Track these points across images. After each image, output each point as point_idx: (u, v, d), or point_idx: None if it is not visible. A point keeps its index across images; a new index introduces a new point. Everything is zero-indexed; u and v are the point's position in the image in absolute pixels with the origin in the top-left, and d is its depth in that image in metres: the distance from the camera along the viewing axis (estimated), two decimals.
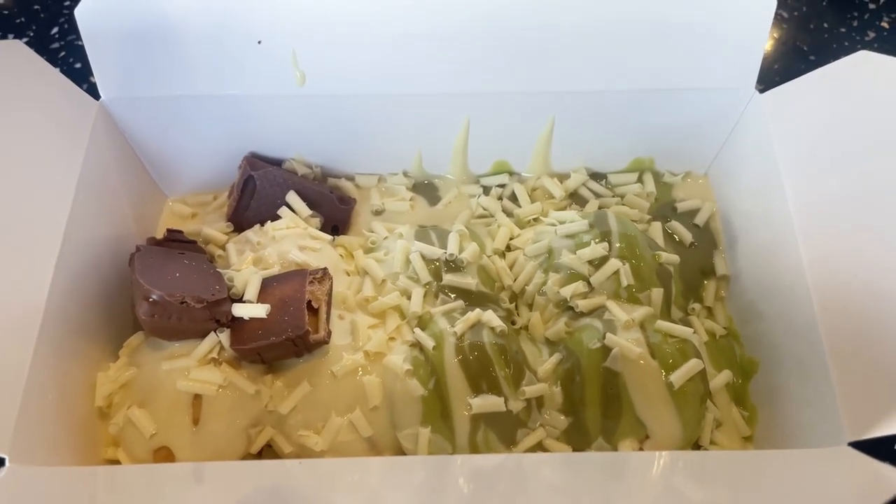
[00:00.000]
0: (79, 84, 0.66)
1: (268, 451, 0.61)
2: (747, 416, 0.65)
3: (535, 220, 0.73)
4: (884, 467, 0.45)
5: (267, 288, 0.61)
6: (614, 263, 0.64)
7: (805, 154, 0.63)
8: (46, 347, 0.55)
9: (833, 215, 0.60)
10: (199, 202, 0.77)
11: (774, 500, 0.45)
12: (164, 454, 0.58)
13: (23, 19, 0.99)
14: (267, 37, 0.65)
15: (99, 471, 0.54)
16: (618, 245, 0.65)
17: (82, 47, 0.64)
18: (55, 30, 0.97)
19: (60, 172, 0.62)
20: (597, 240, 0.65)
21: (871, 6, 1.01)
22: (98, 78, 0.66)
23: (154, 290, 0.57)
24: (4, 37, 0.95)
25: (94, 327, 0.63)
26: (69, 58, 0.64)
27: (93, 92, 0.67)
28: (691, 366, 0.59)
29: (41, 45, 0.95)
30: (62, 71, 0.68)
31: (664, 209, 0.75)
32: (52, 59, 0.86)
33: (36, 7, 1.00)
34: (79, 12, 0.62)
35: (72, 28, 0.97)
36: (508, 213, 0.74)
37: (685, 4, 0.63)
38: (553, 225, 0.69)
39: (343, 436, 0.59)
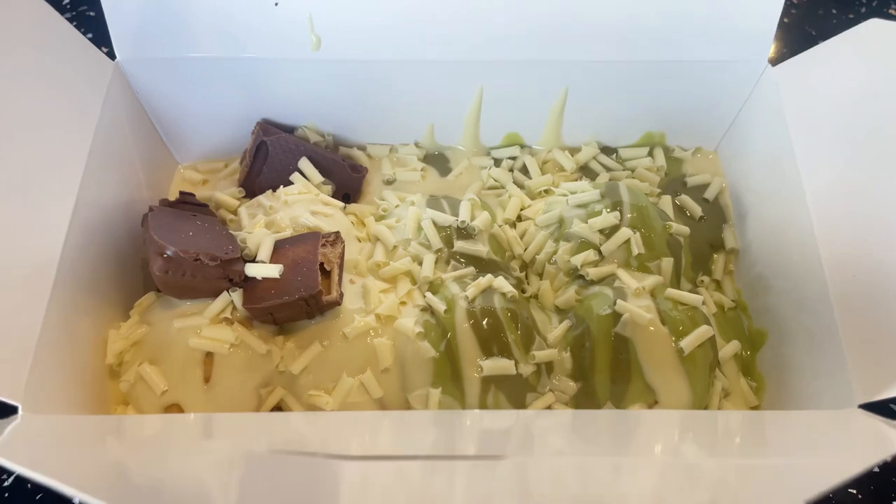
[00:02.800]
0: None
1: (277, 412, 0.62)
2: (755, 387, 0.65)
3: (545, 191, 0.74)
4: (888, 425, 0.45)
5: (279, 249, 0.62)
6: (625, 232, 0.64)
7: (817, 126, 0.64)
8: (58, 304, 0.56)
9: (845, 190, 0.60)
10: (210, 169, 0.78)
11: (782, 455, 0.45)
12: (175, 412, 0.59)
13: None
14: (283, 0, 0.65)
15: (110, 419, 0.54)
16: (629, 215, 0.66)
17: (93, 18, 0.65)
18: (67, 0, 0.97)
19: (75, 132, 0.62)
20: (608, 209, 0.66)
21: None
22: (114, 38, 0.66)
23: (169, 246, 0.57)
24: None
25: (105, 286, 0.63)
26: (80, 27, 0.64)
27: None
28: (701, 332, 0.59)
29: None
30: None
31: (674, 183, 0.75)
32: None
33: None
34: None
35: None
36: (519, 185, 0.75)
37: None
38: (564, 195, 0.70)
39: (353, 397, 0.60)
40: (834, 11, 1.00)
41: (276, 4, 0.65)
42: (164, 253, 0.57)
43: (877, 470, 0.64)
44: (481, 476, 0.42)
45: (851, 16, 0.99)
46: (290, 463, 0.42)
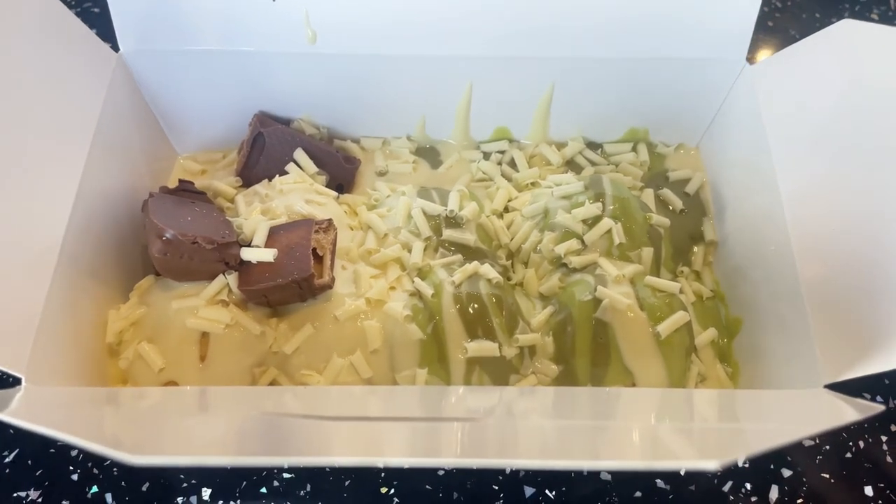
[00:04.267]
0: None
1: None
2: (731, 373, 0.67)
3: (532, 184, 0.76)
4: (845, 402, 0.48)
5: (274, 235, 0.64)
6: (607, 223, 0.67)
7: (794, 125, 0.66)
8: (61, 285, 0.58)
9: (819, 185, 0.62)
10: (208, 160, 0.80)
11: (749, 423, 0.48)
12: None
13: None
14: None
15: (110, 390, 0.57)
16: (611, 206, 0.68)
17: (97, 14, 0.67)
18: None
19: (78, 120, 0.64)
20: (591, 200, 0.68)
21: None
22: (118, 30, 0.69)
23: (168, 229, 0.59)
24: None
25: (106, 269, 0.65)
26: (85, 22, 0.67)
27: None
28: (678, 318, 0.62)
29: None
30: None
31: (657, 178, 0.78)
32: None
33: None
34: None
35: None
36: (507, 178, 0.77)
37: None
38: (550, 187, 0.72)
39: (343, 376, 0.62)
40: (817, 15, 1.03)
41: (274, 0, 0.67)
42: (163, 236, 0.59)
43: (849, 456, 0.66)
44: (469, 432, 0.44)
45: (834, 19, 1.02)
46: (282, 423, 0.44)
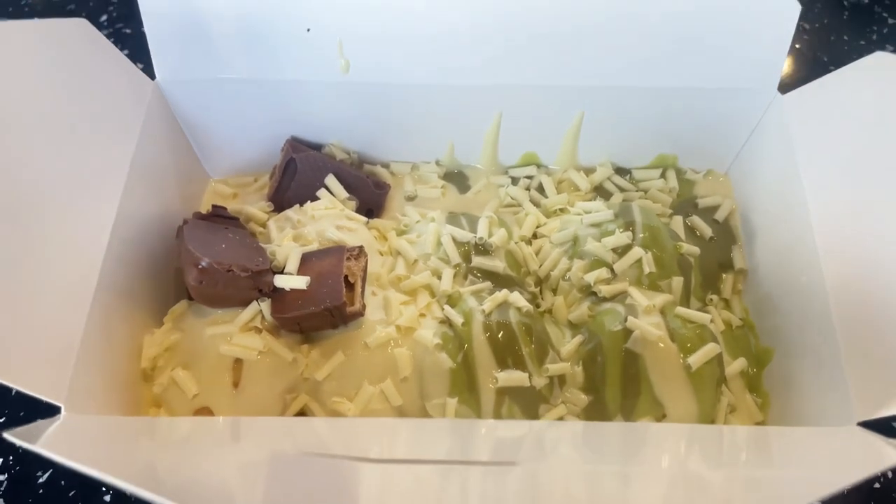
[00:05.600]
0: None
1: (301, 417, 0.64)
2: (760, 403, 0.67)
3: (560, 210, 0.76)
4: (884, 443, 0.47)
5: (306, 262, 0.65)
6: (637, 251, 0.67)
7: (824, 155, 0.66)
8: (98, 310, 0.59)
9: (850, 215, 0.62)
10: (240, 183, 0.81)
11: (783, 469, 0.48)
12: (205, 415, 0.61)
13: (73, 6, 1.03)
14: (315, 26, 0.68)
15: (144, 420, 0.57)
16: (641, 235, 0.68)
17: (130, 35, 0.68)
18: (104, 17, 1.01)
19: (117, 148, 0.65)
20: (621, 229, 0.68)
21: (891, 21, 1.04)
22: (155, 59, 0.70)
23: (203, 258, 0.60)
24: None
25: (141, 294, 0.66)
26: (117, 44, 0.68)
27: None
28: (708, 349, 0.62)
29: None
30: None
31: (685, 205, 0.78)
32: None
33: None
34: None
35: (120, 16, 1.01)
36: (535, 203, 0.78)
37: (712, 5, 0.66)
38: (579, 214, 0.72)
39: (374, 404, 0.62)
40: (846, 38, 1.03)
41: (308, 30, 0.68)
42: (199, 264, 0.60)
43: (878, 486, 0.66)
44: (494, 481, 0.44)
45: (863, 42, 1.02)
46: (313, 463, 0.45)
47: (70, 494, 0.65)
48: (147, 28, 0.68)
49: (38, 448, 0.41)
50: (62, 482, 0.66)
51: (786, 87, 0.71)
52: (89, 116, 0.63)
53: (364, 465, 0.45)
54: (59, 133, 0.59)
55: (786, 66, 0.98)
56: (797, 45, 1.01)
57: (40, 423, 0.49)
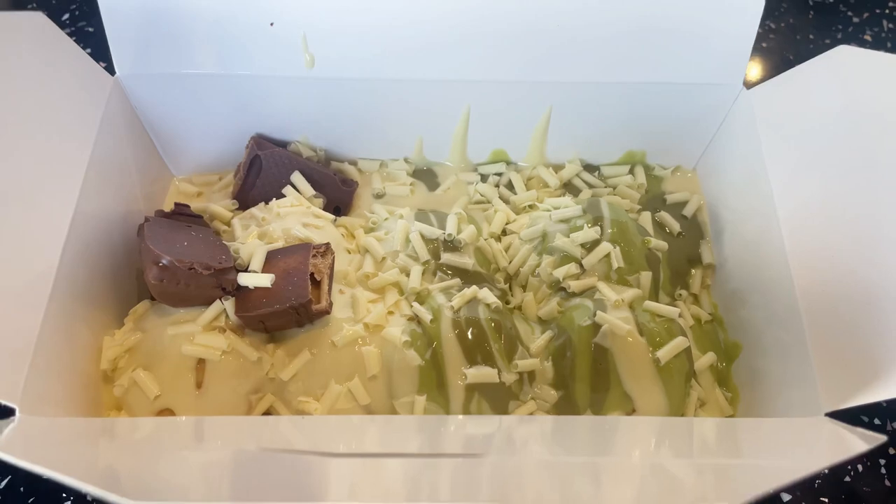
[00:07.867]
0: None
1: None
2: (730, 397, 0.67)
3: (530, 206, 0.76)
4: (850, 432, 0.47)
5: (271, 260, 0.64)
6: (606, 247, 0.67)
7: (791, 149, 0.66)
8: (56, 311, 0.57)
9: (816, 209, 0.62)
10: (204, 182, 0.80)
11: (753, 458, 0.48)
12: (167, 416, 0.60)
13: (34, 5, 1.01)
14: (278, 20, 0.67)
15: (104, 421, 0.56)
16: (610, 230, 0.68)
17: (92, 34, 0.67)
18: (66, 16, 0.99)
19: (74, 144, 0.64)
20: (589, 224, 0.68)
21: (855, 19, 1.06)
22: (114, 54, 0.68)
23: (164, 256, 0.59)
24: None
25: (101, 295, 0.65)
26: (79, 43, 0.66)
27: None
28: (677, 343, 0.61)
29: None
30: None
31: (654, 201, 0.78)
32: None
33: None
34: None
35: (82, 14, 0.99)
36: (505, 200, 0.77)
37: (677, 2, 0.67)
38: (548, 211, 0.72)
39: (341, 403, 0.61)
40: (811, 37, 1.04)
41: (272, 24, 0.67)
42: (159, 262, 0.59)
43: (848, 479, 0.66)
44: (464, 473, 0.44)
45: (828, 41, 1.03)
46: (279, 459, 0.44)
47: (29, 501, 0.63)
48: (106, 22, 0.67)
49: None
50: (21, 488, 0.64)
51: (752, 86, 0.72)
52: (44, 112, 0.61)
53: (332, 460, 0.44)
54: (11, 129, 0.58)
55: (753, 66, 0.99)
56: (763, 45, 1.02)
57: None
